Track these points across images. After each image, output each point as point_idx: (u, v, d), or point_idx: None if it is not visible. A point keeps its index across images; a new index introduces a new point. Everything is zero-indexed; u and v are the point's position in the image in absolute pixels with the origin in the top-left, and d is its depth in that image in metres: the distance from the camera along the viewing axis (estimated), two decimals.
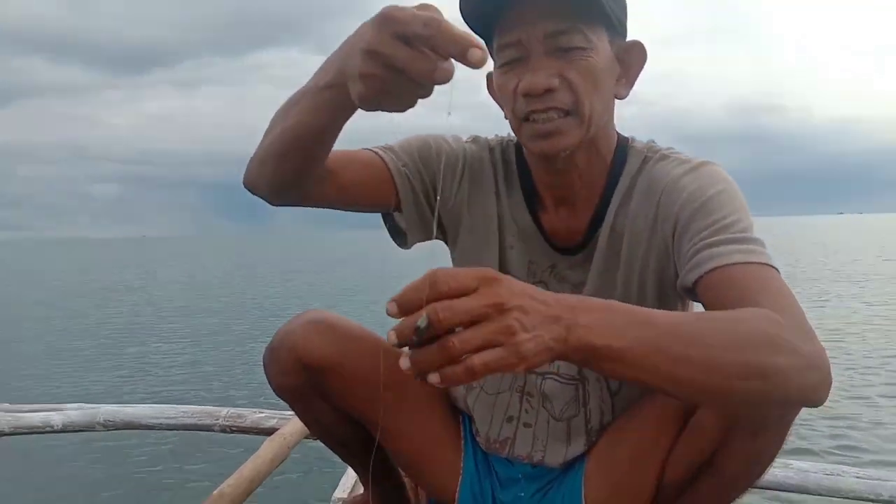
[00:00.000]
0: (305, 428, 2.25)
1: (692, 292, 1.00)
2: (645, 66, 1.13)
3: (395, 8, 0.72)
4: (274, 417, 2.52)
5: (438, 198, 1.23)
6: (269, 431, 2.34)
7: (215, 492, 1.70)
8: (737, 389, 0.78)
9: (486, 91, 1.17)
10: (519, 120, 1.07)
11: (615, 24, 1.06)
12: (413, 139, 1.22)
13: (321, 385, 1.26)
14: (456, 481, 1.31)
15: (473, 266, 0.88)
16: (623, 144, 1.18)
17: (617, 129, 1.19)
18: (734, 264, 0.95)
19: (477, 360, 0.67)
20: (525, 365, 0.69)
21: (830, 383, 0.82)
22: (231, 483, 1.73)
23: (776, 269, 0.96)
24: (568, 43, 1.01)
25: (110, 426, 2.69)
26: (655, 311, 0.81)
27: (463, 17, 1.06)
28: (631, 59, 1.11)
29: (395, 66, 0.72)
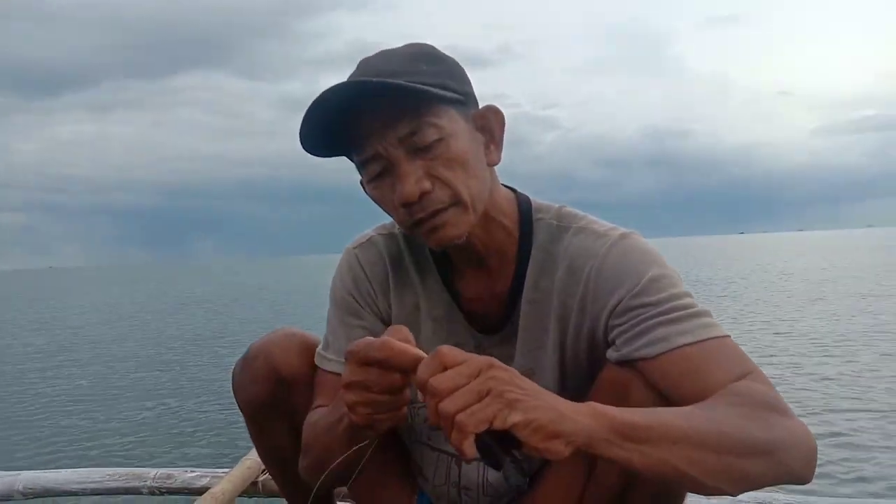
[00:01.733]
0: (240, 485, 2.20)
1: (636, 365, 1.02)
2: (505, 127, 1.12)
3: (352, 345, 0.88)
4: (206, 476, 2.44)
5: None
6: (201, 491, 2.27)
7: None
8: (741, 468, 0.85)
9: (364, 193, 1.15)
10: (408, 228, 1.09)
11: (460, 99, 1.06)
12: (334, 324, 1.28)
13: (289, 401, 1.31)
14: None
15: None
16: (525, 208, 1.19)
17: (504, 183, 1.19)
18: (691, 344, 0.99)
19: (462, 415, 0.76)
20: (520, 414, 0.77)
21: (815, 457, 0.90)
22: None
23: (728, 336, 1.02)
24: (422, 141, 1.01)
25: (30, 494, 2.56)
26: (656, 408, 0.91)
27: (305, 147, 1.06)
28: (490, 123, 1.11)
29: (369, 388, 0.88)
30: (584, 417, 0.80)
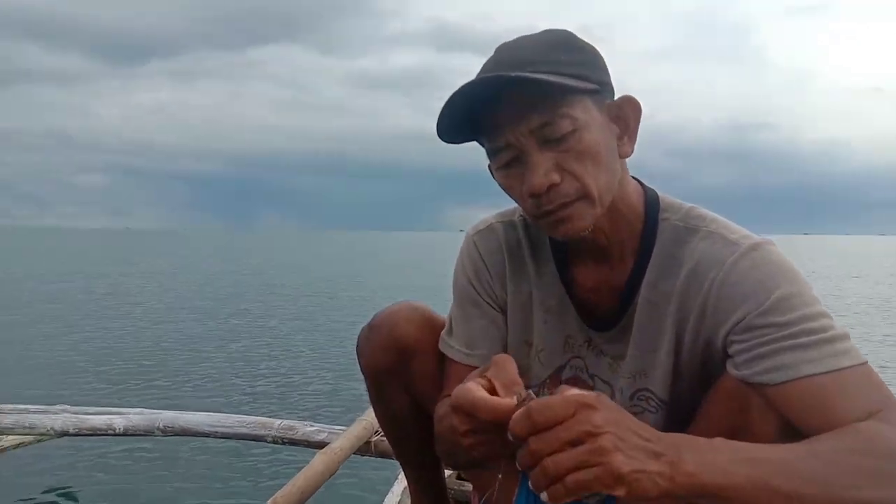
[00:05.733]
0: (355, 443, 2.30)
1: (756, 388, 0.96)
2: (642, 118, 1.08)
3: (453, 395, 0.88)
4: (324, 431, 2.57)
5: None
6: (319, 445, 2.39)
7: (269, 501, 1.75)
8: None
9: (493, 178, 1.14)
10: (534, 218, 1.07)
11: (597, 89, 1.03)
12: (456, 311, 1.29)
13: (408, 370, 1.38)
14: (513, 489, 1.35)
15: (518, 344, 1.22)
16: (653, 204, 1.14)
17: (633, 175, 1.15)
18: (819, 374, 0.91)
19: (570, 478, 0.72)
20: (625, 488, 0.73)
21: None
22: (283, 494, 1.78)
23: (864, 364, 0.93)
24: (555, 133, 0.99)
25: (169, 432, 2.79)
26: (761, 445, 0.83)
27: (441, 136, 1.05)
28: (626, 114, 1.07)
29: (476, 433, 0.86)
30: (666, 482, 0.75)
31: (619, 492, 0.73)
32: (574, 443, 0.73)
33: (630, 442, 0.74)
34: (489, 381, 0.86)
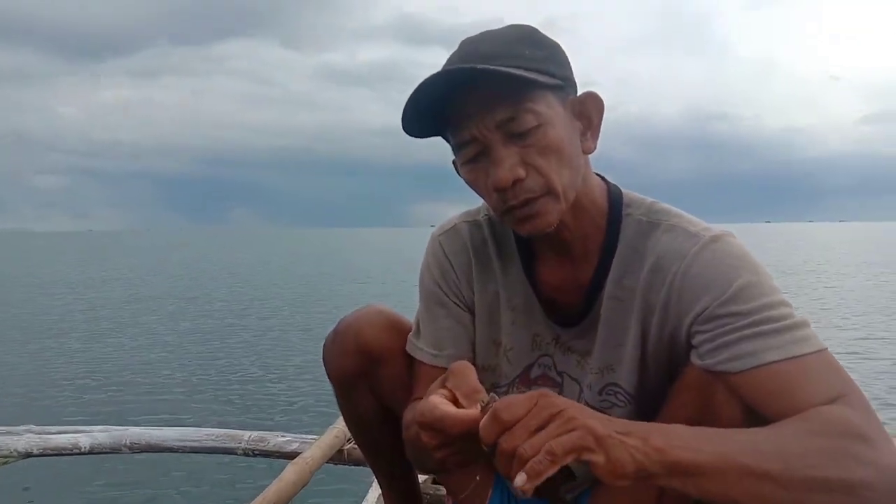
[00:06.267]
0: (327, 451, 2.28)
1: (720, 377, 0.97)
2: (604, 113, 1.08)
3: (416, 411, 0.89)
4: (296, 441, 2.54)
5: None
6: (291, 455, 2.36)
7: None
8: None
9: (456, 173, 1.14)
10: (499, 213, 1.07)
11: (560, 84, 1.03)
12: (423, 313, 1.29)
13: (375, 375, 1.36)
14: (487, 492, 1.35)
15: (487, 344, 1.22)
16: (616, 199, 1.15)
17: (596, 171, 1.16)
18: (780, 361, 0.92)
19: (554, 442, 0.74)
20: (603, 453, 0.76)
21: None
22: None
23: (824, 350, 0.94)
24: (520, 127, 0.99)
25: (136, 448, 2.73)
26: (725, 430, 0.85)
27: (405, 129, 1.05)
28: (589, 110, 1.07)
29: (445, 445, 0.86)
30: (640, 455, 0.78)
31: (599, 457, 0.75)
32: (542, 427, 0.76)
33: (598, 417, 0.79)
34: (451, 391, 0.87)
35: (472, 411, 0.82)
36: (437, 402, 0.85)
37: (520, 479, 0.74)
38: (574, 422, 0.76)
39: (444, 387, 0.88)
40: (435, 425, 0.83)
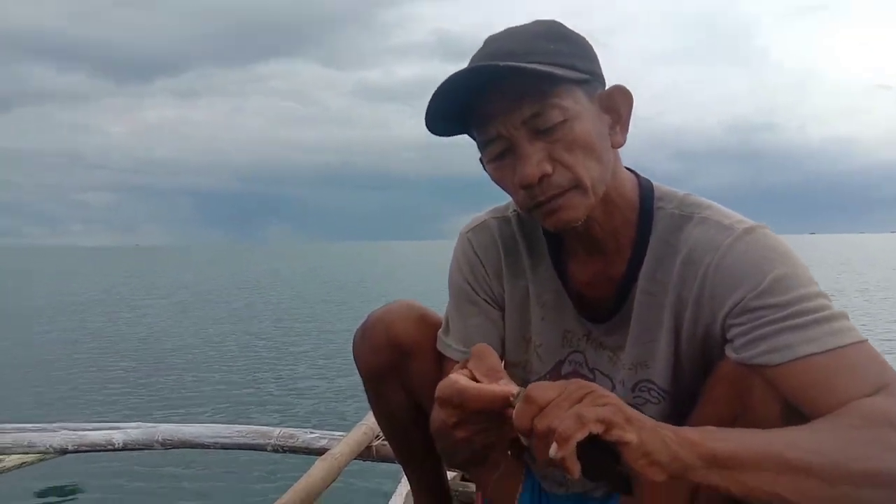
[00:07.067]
0: (356, 448, 2.29)
1: (756, 370, 0.95)
2: (633, 107, 1.07)
3: (438, 388, 0.87)
4: (324, 438, 2.56)
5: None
6: (320, 452, 2.37)
7: None
8: (858, 498, 0.79)
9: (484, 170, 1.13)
10: (526, 209, 1.06)
11: (587, 79, 1.02)
12: (452, 310, 1.29)
13: (405, 369, 1.36)
14: (517, 488, 1.36)
15: (517, 340, 1.21)
16: (647, 193, 1.13)
17: (626, 166, 1.14)
18: (818, 353, 0.90)
19: (585, 409, 0.74)
20: (635, 434, 0.75)
21: None
22: (283, 502, 1.76)
23: (864, 342, 0.92)
24: (546, 123, 0.98)
25: (168, 445, 2.77)
26: (761, 429, 0.83)
27: (429, 128, 1.04)
28: (617, 104, 1.06)
29: (466, 424, 0.85)
30: (675, 445, 0.76)
31: (631, 435, 0.74)
32: (573, 403, 0.76)
33: (632, 412, 0.78)
34: (470, 371, 0.86)
35: (493, 386, 0.82)
36: (456, 377, 0.84)
37: (552, 450, 0.73)
38: (607, 398, 0.76)
39: (463, 367, 0.88)
40: (455, 399, 0.82)
